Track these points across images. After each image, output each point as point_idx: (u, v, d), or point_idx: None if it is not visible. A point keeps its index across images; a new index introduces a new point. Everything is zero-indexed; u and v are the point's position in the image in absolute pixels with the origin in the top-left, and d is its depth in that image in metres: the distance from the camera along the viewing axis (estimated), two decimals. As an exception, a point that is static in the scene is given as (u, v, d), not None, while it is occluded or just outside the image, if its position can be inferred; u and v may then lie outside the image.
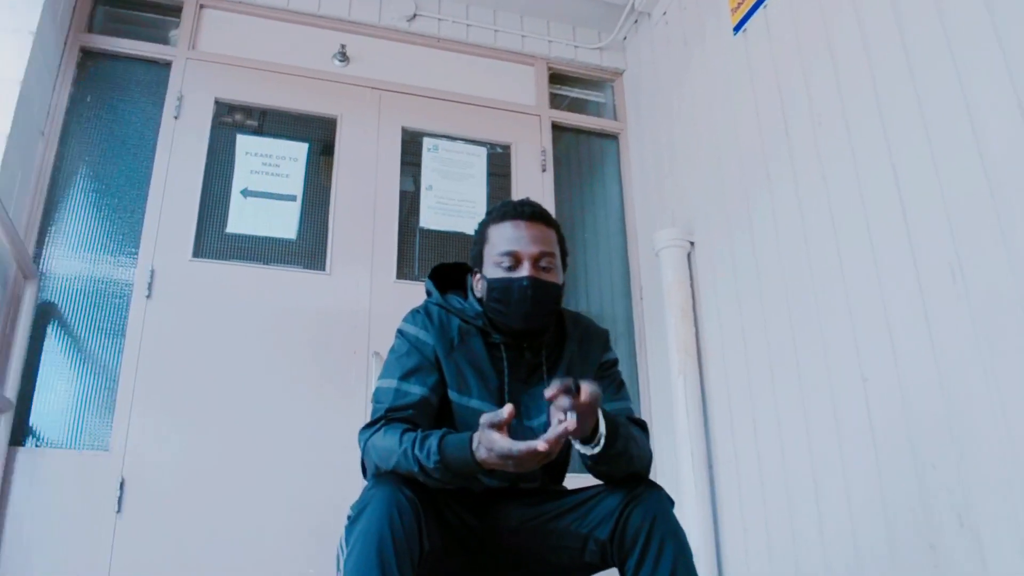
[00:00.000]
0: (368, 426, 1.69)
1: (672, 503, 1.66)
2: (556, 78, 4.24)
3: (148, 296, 3.21)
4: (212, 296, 3.29)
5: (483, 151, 3.91)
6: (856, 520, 2.45)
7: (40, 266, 3.18)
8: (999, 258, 2.03)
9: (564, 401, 1.40)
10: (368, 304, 3.44)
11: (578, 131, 4.19)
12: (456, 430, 1.77)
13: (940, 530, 2.14)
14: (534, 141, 3.99)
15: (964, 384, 2.11)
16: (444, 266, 1.97)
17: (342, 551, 1.49)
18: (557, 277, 1.81)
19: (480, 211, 3.72)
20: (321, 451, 3.16)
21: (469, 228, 3.53)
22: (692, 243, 3.46)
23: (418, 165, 3.79)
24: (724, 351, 3.21)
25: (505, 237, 1.79)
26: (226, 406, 3.16)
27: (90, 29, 3.59)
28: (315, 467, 3.14)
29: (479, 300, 1.83)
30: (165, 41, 3.70)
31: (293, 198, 3.54)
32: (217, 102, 3.61)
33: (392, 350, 1.83)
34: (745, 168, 3.16)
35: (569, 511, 1.69)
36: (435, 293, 1.88)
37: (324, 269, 3.47)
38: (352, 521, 1.49)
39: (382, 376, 1.79)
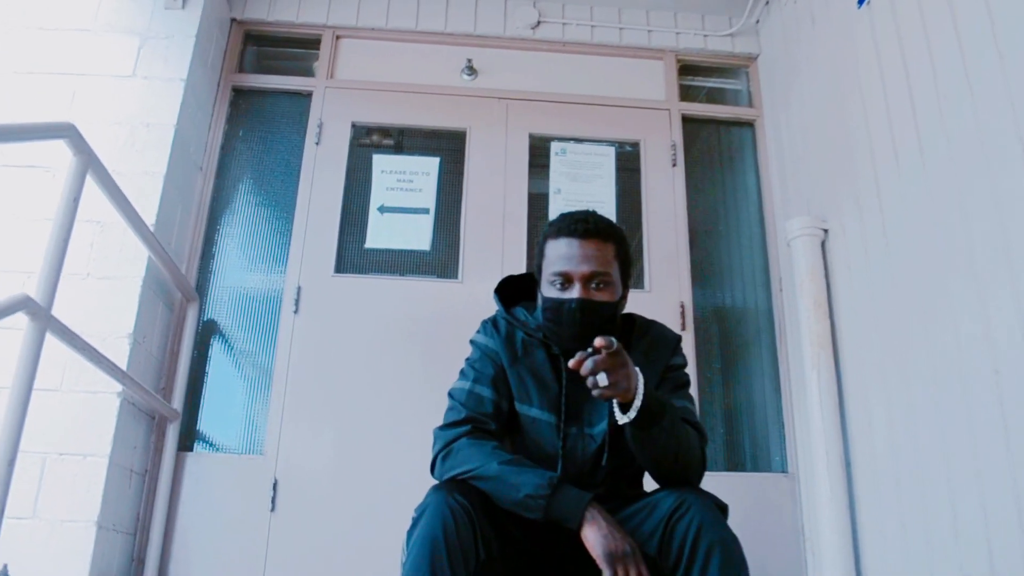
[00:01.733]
0: (448, 426, 1.77)
1: (724, 510, 1.62)
2: (687, 69, 4.16)
3: (296, 311, 3.47)
4: (353, 308, 3.51)
5: (611, 150, 3.91)
6: (991, 527, 2.26)
7: (203, 288, 3.52)
8: None
9: (588, 364, 1.51)
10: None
11: (711, 121, 4.08)
12: (521, 437, 1.84)
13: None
14: (663, 136, 3.94)
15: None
16: (513, 278, 2.02)
17: (404, 553, 1.56)
18: (612, 294, 1.78)
19: (610, 211, 3.73)
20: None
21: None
22: (826, 231, 3.30)
23: (547, 167, 3.84)
24: (859, 344, 3.03)
25: (559, 255, 1.78)
26: (368, 412, 3.36)
27: (241, 69, 3.92)
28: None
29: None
30: (310, 73, 3.97)
31: (427, 211, 3.70)
32: (354, 125, 3.84)
33: (467, 359, 1.91)
34: (875, 149, 2.98)
35: (624, 521, 1.68)
36: (499, 307, 1.93)
37: (457, 277, 3.60)
38: (412, 525, 1.56)
39: (458, 380, 1.87)
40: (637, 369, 1.58)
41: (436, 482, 1.67)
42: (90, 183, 2.36)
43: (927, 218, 2.63)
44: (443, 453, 1.73)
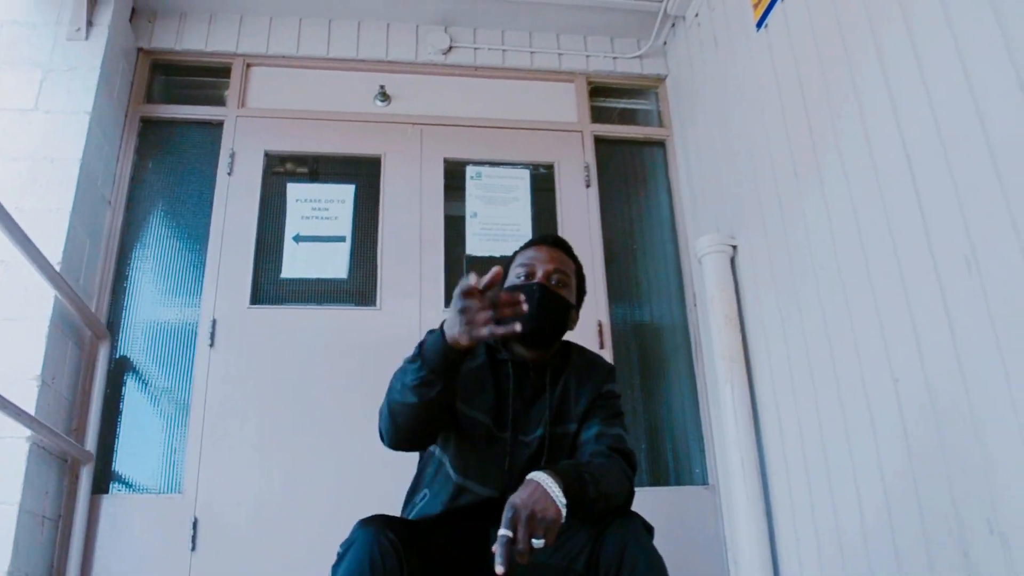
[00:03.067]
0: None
1: (650, 531, 1.68)
2: (598, 91, 4.24)
3: (211, 345, 3.42)
4: (270, 340, 3.47)
5: (526, 173, 3.95)
6: (896, 530, 2.36)
7: (115, 324, 3.44)
8: (1013, 248, 1.92)
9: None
10: (418, 335, 3.52)
11: (623, 142, 4.16)
12: (459, 438, 1.87)
13: (972, 537, 2.04)
14: (577, 157, 4.00)
15: (985, 385, 2.01)
16: None
17: None
18: (568, 296, 1.95)
19: (525, 233, 3.77)
20: (385, 482, 3.26)
21: (513, 250, 3.58)
22: (735, 247, 3.39)
23: (462, 190, 3.87)
24: (769, 357, 3.13)
25: (526, 257, 1.97)
26: (289, 444, 3.32)
27: (149, 99, 3.85)
28: (382, 499, 3.23)
29: None
30: (221, 102, 3.92)
31: (343, 239, 3.69)
32: (267, 154, 3.80)
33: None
34: (776, 167, 3.09)
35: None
36: None
37: (375, 304, 3.59)
38: (338, 560, 1.56)
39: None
40: (541, 483, 1.50)
41: (361, 518, 1.67)
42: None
43: (825, 233, 2.74)
44: (385, 404, 1.75)
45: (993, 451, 1.98)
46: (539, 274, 1.91)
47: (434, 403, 1.64)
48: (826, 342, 2.74)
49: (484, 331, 1.48)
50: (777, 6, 3.10)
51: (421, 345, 1.63)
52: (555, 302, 1.89)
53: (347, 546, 1.55)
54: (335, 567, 1.55)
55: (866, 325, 2.51)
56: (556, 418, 1.91)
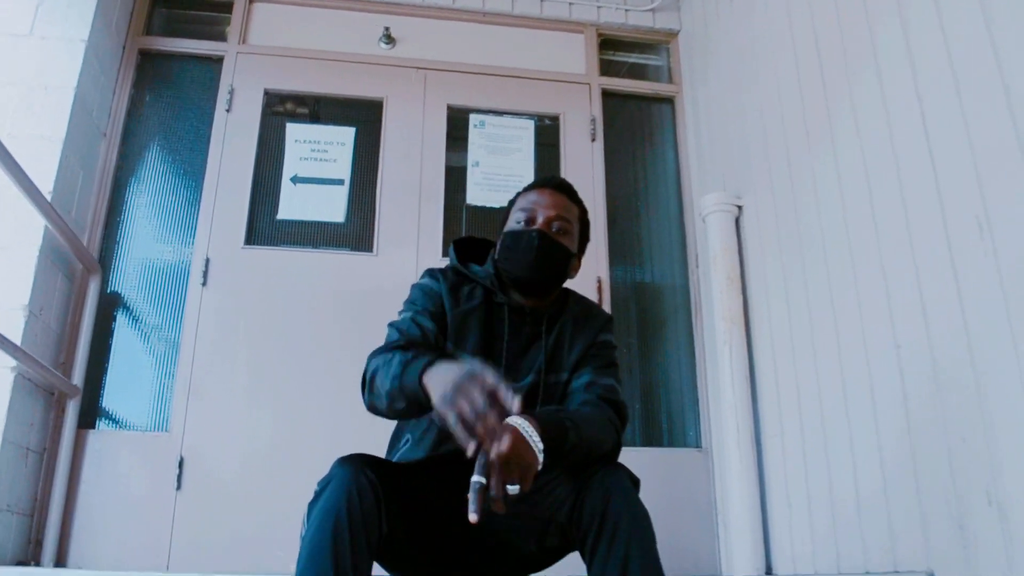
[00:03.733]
0: (381, 350, 1.70)
1: (636, 483, 1.62)
2: (608, 44, 4.14)
3: (204, 284, 3.37)
4: (264, 281, 3.42)
5: (530, 124, 3.87)
6: (891, 499, 2.32)
7: (107, 259, 3.38)
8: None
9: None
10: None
11: (631, 97, 4.08)
12: None
13: (969, 508, 2.01)
14: (583, 110, 3.92)
15: (991, 353, 1.96)
16: (471, 239, 2.03)
17: (304, 525, 1.52)
18: (570, 244, 1.87)
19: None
20: (375, 428, 3.22)
21: (515, 203, 3.53)
22: (740, 207, 3.33)
23: (465, 139, 3.79)
24: (770, 320, 3.08)
25: (527, 201, 1.87)
26: (279, 387, 3.28)
27: (148, 32, 3.75)
28: (370, 445, 3.20)
29: (495, 263, 1.89)
30: (222, 37, 3.83)
31: (341, 182, 3.62)
32: (267, 93, 3.72)
33: (408, 298, 1.89)
34: (787, 127, 3.01)
35: (531, 494, 1.68)
36: (452, 257, 1.94)
37: (372, 251, 3.54)
38: (315, 497, 1.51)
39: (400, 313, 1.85)
40: (518, 427, 1.42)
41: (340, 456, 1.61)
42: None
43: (835, 195, 2.68)
44: (372, 370, 1.66)
45: (995, 421, 1.94)
46: (540, 220, 1.83)
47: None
48: (829, 306, 2.69)
49: (470, 447, 1.37)
50: (797, -42, 3.00)
51: (405, 363, 1.54)
52: (555, 251, 1.82)
53: (324, 483, 1.51)
54: (311, 504, 1.51)
55: (871, 289, 2.46)
56: (549, 366, 1.85)
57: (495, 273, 1.87)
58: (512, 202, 1.94)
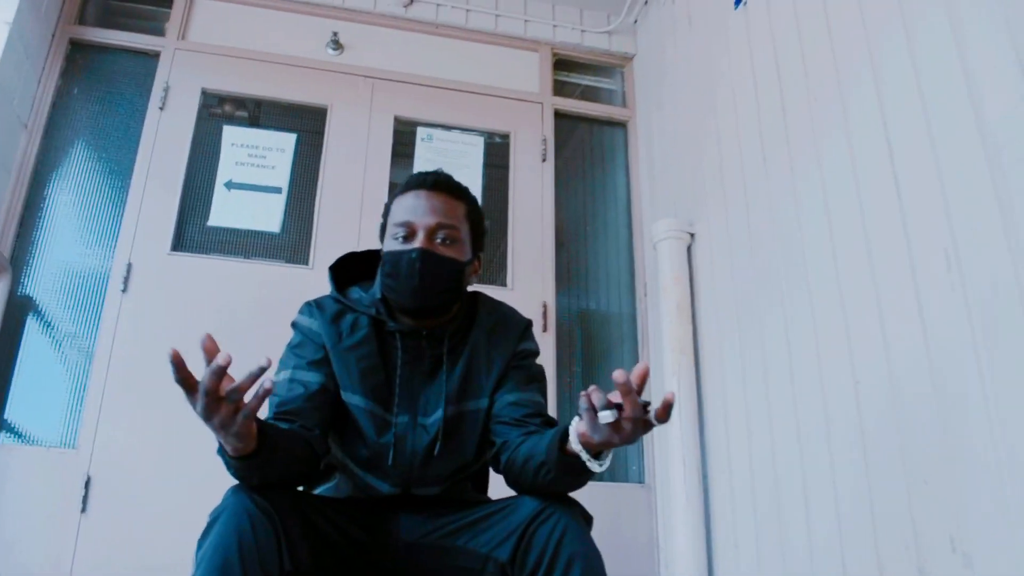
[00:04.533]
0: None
1: (589, 521, 1.48)
2: (562, 64, 4.05)
3: (124, 290, 3.14)
4: (190, 291, 3.21)
5: (480, 140, 3.75)
6: (845, 540, 2.21)
7: (20, 259, 3.14)
8: (998, 245, 1.78)
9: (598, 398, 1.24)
10: (351, 299, 3.33)
11: (584, 119, 3.99)
12: (350, 429, 1.62)
13: (931, 553, 1.90)
14: (535, 130, 3.81)
15: (958, 390, 1.86)
16: (355, 255, 1.80)
17: (194, 563, 1.34)
18: (460, 253, 1.63)
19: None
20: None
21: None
22: (692, 235, 3.24)
23: (411, 154, 3.65)
24: (720, 351, 2.98)
25: (404, 207, 1.63)
26: (200, 404, 3.06)
27: (81, 21, 3.54)
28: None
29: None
30: (160, 32, 3.63)
31: (279, 190, 3.44)
32: (204, 92, 3.53)
33: (288, 344, 1.69)
34: (744, 153, 2.94)
35: (469, 526, 1.51)
36: (331, 285, 1.72)
37: (308, 264, 3.36)
38: (205, 530, 1.35)
39: (277, 371, 1.64)
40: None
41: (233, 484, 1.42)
42: None
43: (793, 224, 2.59)
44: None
45: (961, 462, 1.84)
46: (420, 234, 1.58)
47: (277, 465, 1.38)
48: (784, 338, 2.59)
49: (237, 423, 1.23)
50: (758, -17, 2.95)
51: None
52: (442, 268, 1.59)
53: (215, 515, 1.35)
54: (201, 538, 1.34)
55: (829, 322, 2.36)
56: (462, 393, 1.64)
57: (381, 296, 1.65)
58: (387, 207, 1.70)
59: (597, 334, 3.72)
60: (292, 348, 1.66)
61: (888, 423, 2.09)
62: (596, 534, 1.44)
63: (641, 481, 3.40)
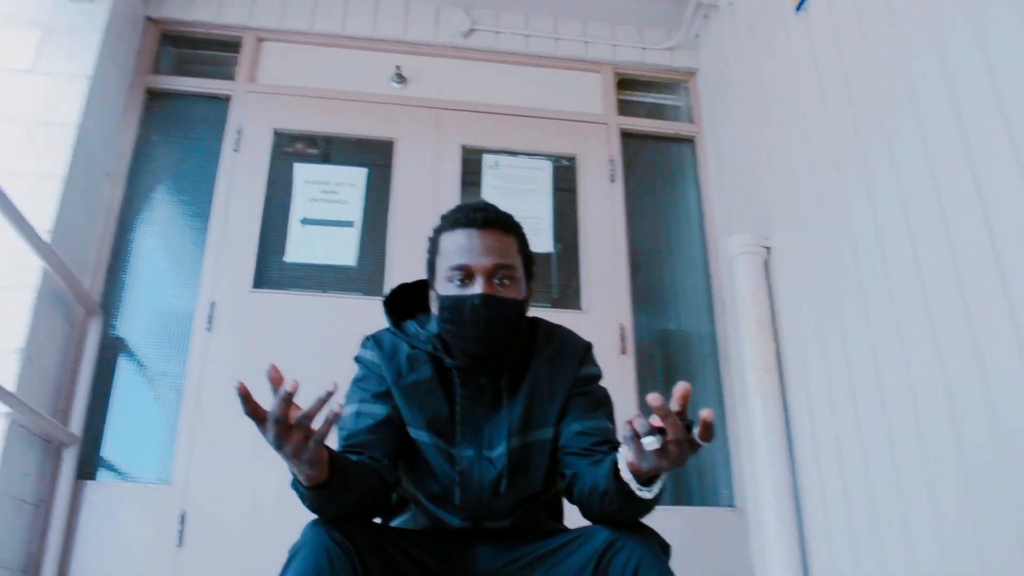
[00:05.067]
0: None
1: (666, 549, 1.44)
2: (625, 83, 4.06)
3: (208, 328, 3.23)
4: (272, 326, 3.28)
5: (547, 164, 3.77)
6: (948, 564, 2.13)
7: (110, 302, 3.25)
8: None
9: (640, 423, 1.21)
10: (428, 328, 3.36)
11: (650, 137, 3.98)
12: (419, 465, 1.62)
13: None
14: (601, 151, 3.82)
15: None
16: (406, 286, 1.77)
17: None
18: (518, 291, 1.59)
19: (546, 227, 3.59)
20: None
21: (533, 245, 3.40)
22: (768, 249, 3.20)
23: (479, 181, 3.69)
24: (806, 368, 2.92)
25: (456, 247, 1.57)
26: (286, 437, 3.11)
27: (156, 70, 3.67)
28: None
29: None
30: (230, 76, 3.74)
31: (351, 224, 3.50)
32: (276, 132, 3.63)
33: (353, 379, 1.68)
34: (816, 162, 2.90)
35: (544, 557, 1.49)
36: (387, 319, 1.71)
37: (382, 295, 3.39)
38: (284, 568, 1.38)
39: (344, 405, 1.62)
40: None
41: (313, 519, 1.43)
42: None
43: (871, 232, 2.53)
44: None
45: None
46: (479, 278, 1.53)
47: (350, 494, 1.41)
48: (870, 352, 2.53)
49: (308, 450, 1.26)
50: (819, -14, 2.92)
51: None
52: (506, 311, 1.55)
53: (295, 550, 1.37)
54: (282, 574, 1.36)
55: (918, 335, 2.29)
56: (526, 424, 1.61)
57: (437, 333, 1.62)
58: (434, 243, 1.65)
59: (677, 354, 3.69)
60: (356, 382, 1.66)
61: (986, 440, 2.02)
62: (686, 560, 1.40)
63: (731, 505, 3.34)
